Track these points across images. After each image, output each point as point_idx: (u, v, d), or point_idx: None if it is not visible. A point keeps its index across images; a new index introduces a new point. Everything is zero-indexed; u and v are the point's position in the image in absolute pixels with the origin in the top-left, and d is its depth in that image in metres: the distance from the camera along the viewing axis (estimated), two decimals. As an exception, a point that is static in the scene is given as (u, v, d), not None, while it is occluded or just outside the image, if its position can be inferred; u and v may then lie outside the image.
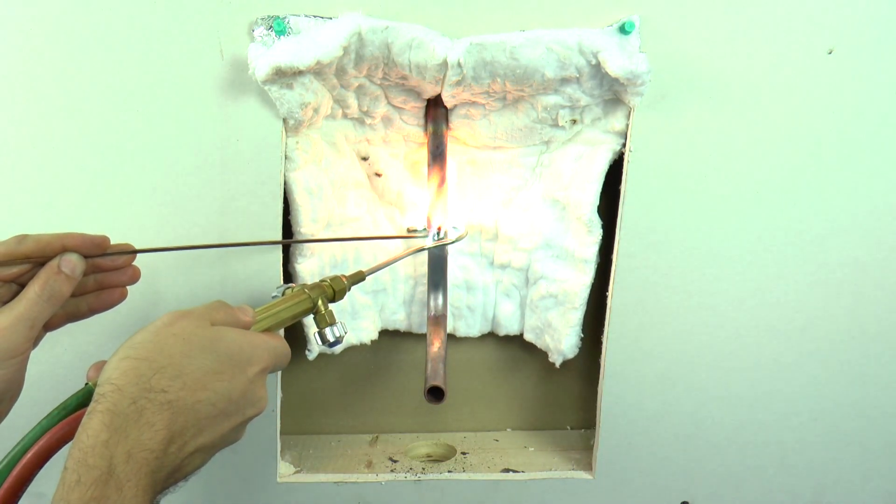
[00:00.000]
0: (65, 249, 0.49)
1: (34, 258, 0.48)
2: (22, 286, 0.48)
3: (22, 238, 0.48)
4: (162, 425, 0.41)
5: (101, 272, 0.53)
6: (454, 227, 0.74)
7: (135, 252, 0.54)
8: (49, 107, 0.63)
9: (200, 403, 0.43)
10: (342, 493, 0.77)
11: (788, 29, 0.64)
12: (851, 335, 0.74)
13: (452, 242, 0.73)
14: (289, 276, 0.71)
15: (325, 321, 0.57)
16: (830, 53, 0.65)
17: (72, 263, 0.48)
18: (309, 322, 0.72)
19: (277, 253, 0.69)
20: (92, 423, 0.39)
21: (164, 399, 0.41)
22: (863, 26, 0.64)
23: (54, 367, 0.69)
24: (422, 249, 0.73)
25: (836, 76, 0.66)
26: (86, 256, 0.50)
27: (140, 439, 0.39)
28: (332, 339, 0.57)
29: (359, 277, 0.62)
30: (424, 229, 0.74)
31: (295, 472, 0.77)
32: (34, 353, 0.50)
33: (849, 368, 0.75)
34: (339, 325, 0.58)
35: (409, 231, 0.76)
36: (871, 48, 0.65)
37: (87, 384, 0.44)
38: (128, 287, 0.55)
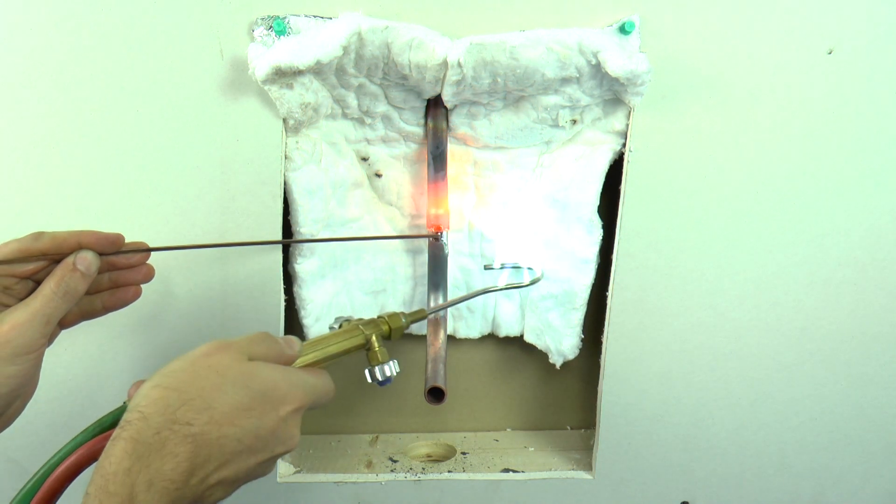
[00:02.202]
0: (80, 247, 0.49)
1: (50, 255, 0.48)
2: (38, 283, 0.49)
3: (38, 235, 0.48)
4: (184, 457, 0.40)
5: (115, 270, 0.54)
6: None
7: (149, 250, 0.54)
8: (49, 107, 0.63)
9: (226, 438, 0.42)
10: (342, 493, 0.77)
11: (788, 29, 0.64)
12: (851, 335, 0.74)
13: (526, 286, 0.68)
14: (288, 276, 0.71)
15: (376, 359, 0.55)
16: (830, 53, 0.65)
17: (87, 261, 0.49)
18: (309, 324, 0.72)
19: (277, 253, 0.69)
20: (115, 451, 0.39)
21: (187, 431, 0.41)
22: (863, 26, 0.64)
23: (55, 367, 0.69)
24: (490, 290, 0.67)
25: (836, 76, 0.66)
26: (101, 254, 0.50)
27: (162, 469, 0.39)
28: (380, 378, 0.55)
29: (419, 316, 0.59)
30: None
31: (295, 472, 0.77)
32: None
33: (849, 368, 0.75)
34: (390, 364, 0.55)
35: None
36: (871, 48, 0.65)
37: (124, 402, 0.44)
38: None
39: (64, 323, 0.52)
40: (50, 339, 0.50)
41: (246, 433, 0.43)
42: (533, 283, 0.68)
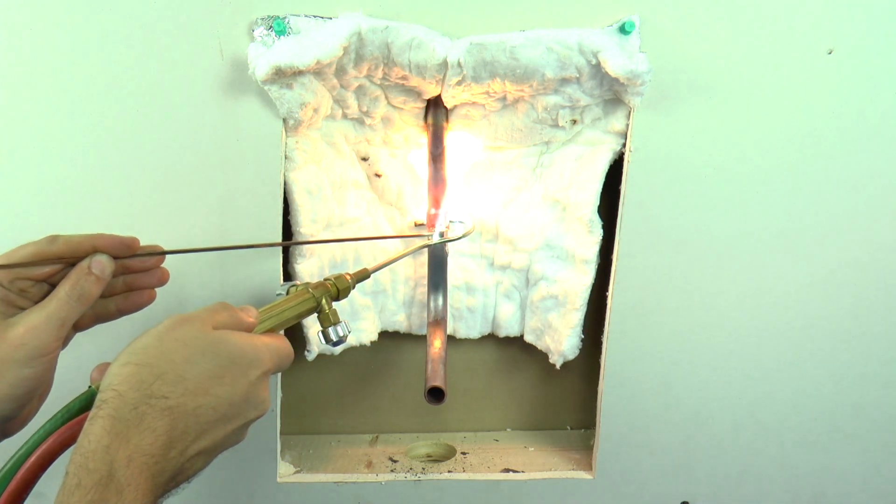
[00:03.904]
0: (95, 250, 0.49)
1: (65, 259, 0.49)
2: (53, 286, 0.49)
3: (53, 238, 0.48)
4: (162, 430, 0.41)
5: (130, 274, 0.54)
6: (460, 222, 0.73)
7: (164, 253, 0.54)
8: (49, 107, 0.63)
9: (201, 408, 0.43)
10: (342, 493, 0.77)
11: (788, 29, 0.64)
12: (851, 335, 0.74)
13: (458, 239, 0.72)
14: (289, 276, 0.71)
15: (328, 320, 0.57)
16: (830, 53, 0.65)
17: (101, 264, 0.49)
18: (308, 323, 0.72)
19: (277, 254, 0.69)
20: (94, 429, 0.39)
21: (164, 405, 0.41)
22: (863, 26, 0.64)
23: (56, 369, 0.68)
24: (426, 245, 0.72)
25: (836, 76, 0.66)
26: (115, 257, 0.50)
27: (140, 444, 0.40)
28: (335, 339, 0.57)
29: (363, 275, 0.62)
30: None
31: (295, 472, 0.77)
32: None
33: (849, 368, 0.75)
34: (342, 324, 0.57)
35: (416, 225, 0.75)
36: (871, 48, 0.65)
37: (90, 387, 0.44)
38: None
39: (78, 326, 0.52)
40: (64, 342, 0.50)
41: (220, 401, 0.44)
42: (464, 235, 0.73)
